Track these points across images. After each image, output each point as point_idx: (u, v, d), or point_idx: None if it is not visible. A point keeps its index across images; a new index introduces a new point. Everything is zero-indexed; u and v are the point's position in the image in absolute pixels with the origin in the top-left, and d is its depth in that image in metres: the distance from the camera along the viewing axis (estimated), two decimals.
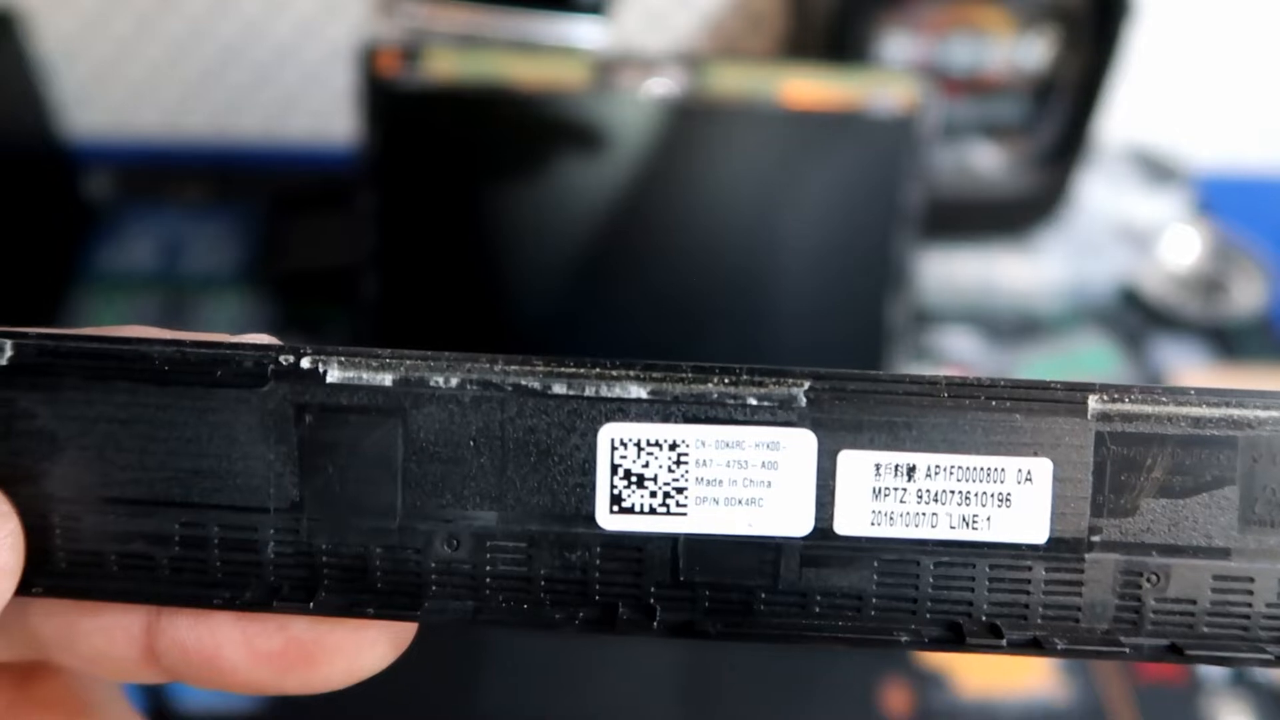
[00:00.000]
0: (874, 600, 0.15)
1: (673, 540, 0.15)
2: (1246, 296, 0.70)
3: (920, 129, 0.56)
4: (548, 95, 0.55)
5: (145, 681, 0.16)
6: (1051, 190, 0.68)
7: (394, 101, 0.55)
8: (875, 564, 0.15)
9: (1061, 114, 0.66)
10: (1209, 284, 0.71)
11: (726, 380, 0.15)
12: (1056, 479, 0.15)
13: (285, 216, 0.69)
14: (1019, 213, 0.70)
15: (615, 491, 0.15)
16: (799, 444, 0.15)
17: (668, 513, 0.15)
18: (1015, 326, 0.68)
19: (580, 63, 0.56)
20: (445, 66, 0.55)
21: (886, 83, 0.56)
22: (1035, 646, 0.15)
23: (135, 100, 0.72)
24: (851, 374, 0.15)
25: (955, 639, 0.15)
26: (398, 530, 0.15)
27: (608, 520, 0.15)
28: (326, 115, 0.70)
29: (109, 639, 0.16)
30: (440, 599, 0.15)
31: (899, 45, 0.64)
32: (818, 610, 0.16)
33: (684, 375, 0.15)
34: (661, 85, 0.56)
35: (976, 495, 0.15)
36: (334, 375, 0.15)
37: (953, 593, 0.15)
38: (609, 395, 0.15)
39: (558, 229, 0.58)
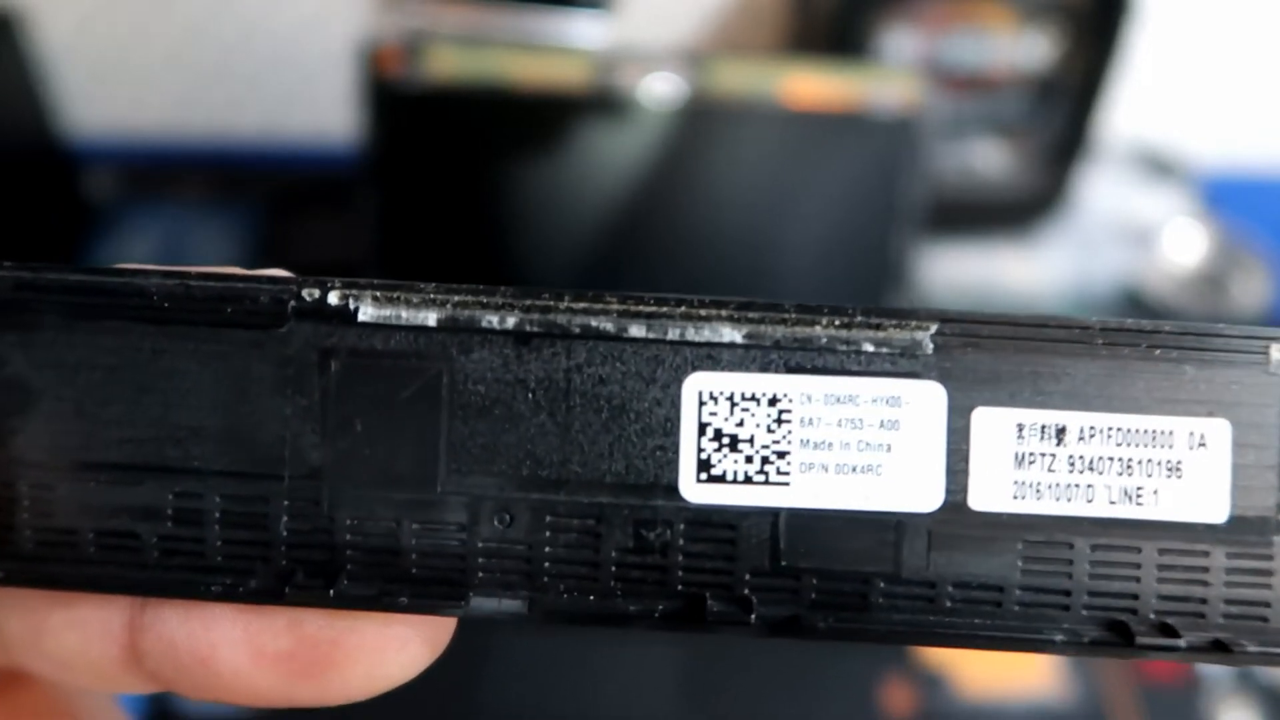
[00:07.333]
0: (1018, 592, 0.13)
1: (773, 516, 0.13)
2: (1249, 294, 0.70)
3: (922, 127, 0.56)
4: (550, 93, 0.55)
5: (127, 690, 0.13)
6: (1053, 188, 0.68)
7: (395, 100, 0.55)
8: (1019, 547, 0.13)
9: (1064, 112, 0.66)
10: (1211, 282, 0.71)
11: (837, 322, 0.13)
12: (1237, 444, 0.13)
13: (286, 215, 0.69)
14: (1021, 210, 0.70)
15: (703, 456, 0.13)
16: (925, 399, 0.13)
17: (766, 482, 0.13)
18: None
19: (582, 60, 0.55)
20: (446, 65, 0.55)
21: (888, 81, 0.56)
22: (1219, 650, 0.13)
23: (135, 99, 0.72)
24: (987, 315, 0.13)
25: (1120, 641, 0.13)
26: (438, 503, 0.13)
27: (694, 491, 0.13)
28: (327, 114, 0.70)
29: (84, 637, 0.13)
30: (488, 588, 0.13)
31: (901, 42, 0.64)
32: (949, 604, 0.13)
33: (786, 315, 0.13)
34: (664, 83, 0.55)
35: (1140, 463, 0.13)
36: (367, 313, 0.13)
37: (1114, 583, 0.13)
38: (696, 339, 0.13)
39: (559, 227, 0.58)
